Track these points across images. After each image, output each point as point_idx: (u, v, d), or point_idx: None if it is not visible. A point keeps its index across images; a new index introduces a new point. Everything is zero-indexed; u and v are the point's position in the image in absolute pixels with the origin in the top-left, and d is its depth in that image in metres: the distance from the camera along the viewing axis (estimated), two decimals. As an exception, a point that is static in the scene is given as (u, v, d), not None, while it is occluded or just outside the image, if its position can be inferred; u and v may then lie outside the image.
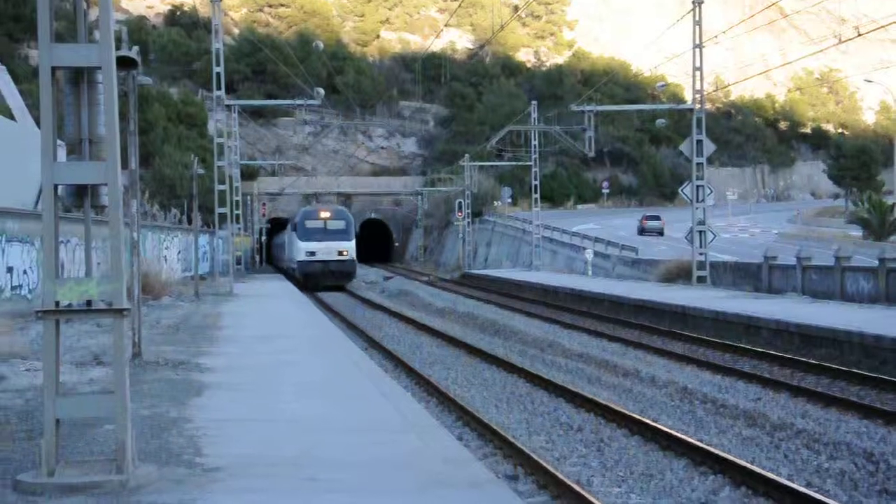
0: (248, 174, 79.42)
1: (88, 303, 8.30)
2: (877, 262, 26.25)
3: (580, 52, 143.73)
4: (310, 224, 47.27)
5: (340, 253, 45.96)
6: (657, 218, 67.33)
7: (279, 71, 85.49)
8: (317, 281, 45.25)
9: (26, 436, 9.90)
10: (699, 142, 34.99)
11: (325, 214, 48.11)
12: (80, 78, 8.25)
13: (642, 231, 65.00)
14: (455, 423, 13.03)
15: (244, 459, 8.77)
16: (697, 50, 34.96)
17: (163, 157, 65.10)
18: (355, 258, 47.24)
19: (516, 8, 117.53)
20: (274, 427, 10.37)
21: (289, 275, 53.45)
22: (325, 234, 46.48)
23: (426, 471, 8.36)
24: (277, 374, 14.40)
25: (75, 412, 8.57)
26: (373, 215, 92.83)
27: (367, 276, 56.16)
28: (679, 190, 38.53)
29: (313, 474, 8.27)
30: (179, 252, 44.60)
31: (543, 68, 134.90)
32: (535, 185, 55.94)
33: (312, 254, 45.90)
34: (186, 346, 18.31)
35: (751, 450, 11.45)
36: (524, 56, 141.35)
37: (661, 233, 63.48)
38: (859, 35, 33.02)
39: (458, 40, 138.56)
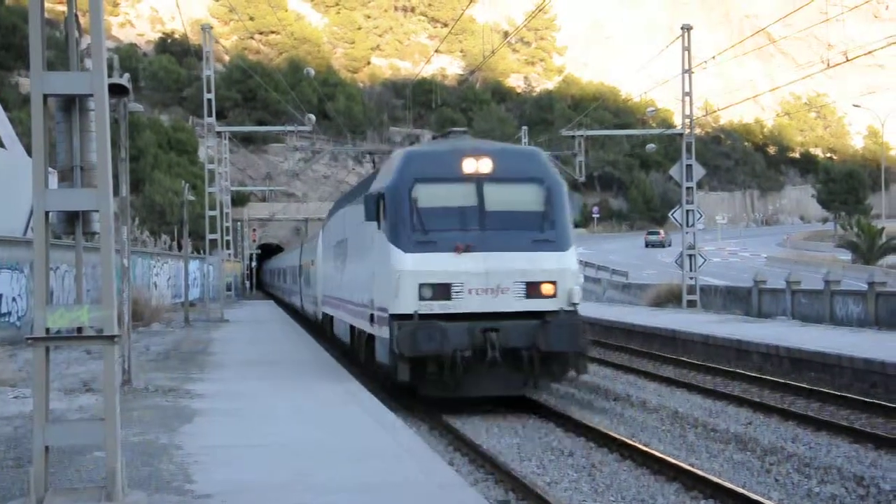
0: (239, 200, 79.46)
1: (78, 329, 8.29)
2: (866, 285, 26.36)
3: (570, 77, 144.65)
4: (427, 192, 15.28)
5: (536, 291, 15.09)
6: (657, 233, 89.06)
7: (270, 97, 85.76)
8: (448, 380, 14.63)
9: (15, 463, 9.86)
10: (689, 166, 35.17)
11: (475, 164, 15.51)
12: (72, 105, 8.28)
13: (647, 244, 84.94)
14: (447, 448, 13.00)
15: (235, 486, 8.73)
16: (686, 75, 35.20)
17: (153, 183, 65.08)
18: (576, 304, 15.23)
19: (506, 34, 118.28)
20: (266, 453, 10.33)
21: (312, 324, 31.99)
22: (480, 222, 15.28)
23: (419, 496, 8.34)
24: (269, 401, 14.35)
25: (65, 439, 8.54)
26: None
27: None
28: (669, 214, 38.68)
29: (307, 500, 8.24)
30: (170, 278, 44.49)
31: (534, 94, 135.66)
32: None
33: (439, 292, 14.89)
34: (177, 372, 18.25)
35: (742, 474, 11.44)
36: (514, 81, 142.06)
37: (663, 245, 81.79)
38: (847, 60, 33.25)
39: (448, 66, 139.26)
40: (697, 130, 47.27)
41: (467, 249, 14.74)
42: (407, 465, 9.64)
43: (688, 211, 34.98)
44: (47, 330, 7.92)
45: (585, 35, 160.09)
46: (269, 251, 78.58)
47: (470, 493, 8.62)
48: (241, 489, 8.61)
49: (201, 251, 49.60)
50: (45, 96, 7.98)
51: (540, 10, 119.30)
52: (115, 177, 15.05)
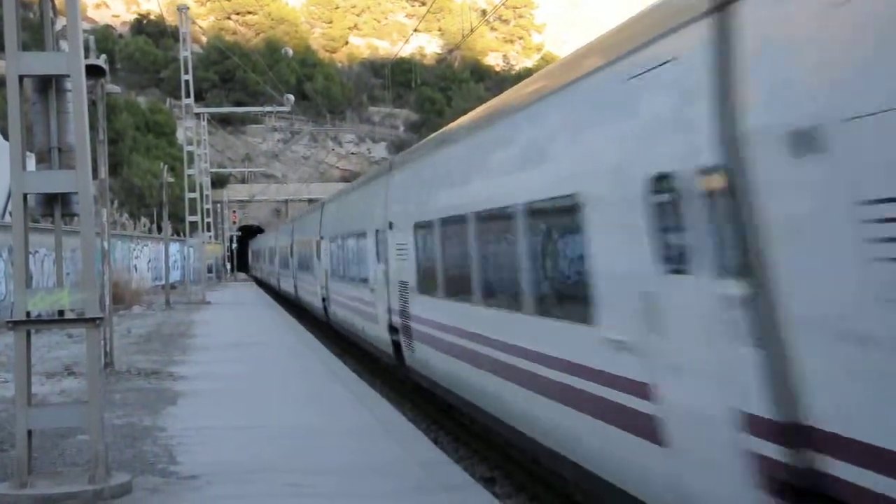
0: (218, 182, 79.09)
1: (60, 313, 8.25)
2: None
3: (549, 55, 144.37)
4: None
5: None
6: None
7: (248, 78, 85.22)
8: None
9: (-2, 448, 9.81)
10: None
11: None
12: (49, 86, 8.20)
13: None
14: (430, 426, 13.03)
15: (220, 467, 8.72)
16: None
17: (131, 166, 64.68)
18: None
19: (484, 12, 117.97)
20: (250, 434, 10.32)
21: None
22: None
23: (404, 475, 8.35)
24: (252, 382, 14.34)
25: (48, 423, 8.51)
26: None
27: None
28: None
29: (292, 480, 8.24)
30: (150, 261, 44.31)
31: (513, 72, 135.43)
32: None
33: None
34: (159, 355, 18.20)
35: None
36: (493, 60, 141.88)
37: None
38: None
39: (427, 45, 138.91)
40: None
41: None
42: (391, 444, 9.65)
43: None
44: (28, 313, 7.87)
45: (564, 13, 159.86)
46: (249, 232, 78.27)
47: (454, 470, 8.64)
48: (225, 470, 8.60)
49: (181, 233, 49.40)
50: (21, 77, 7.90)
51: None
52: (94, 159, 14.93)
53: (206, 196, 49.19)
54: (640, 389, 5.86)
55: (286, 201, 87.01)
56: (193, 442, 9.89)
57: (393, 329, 14.16)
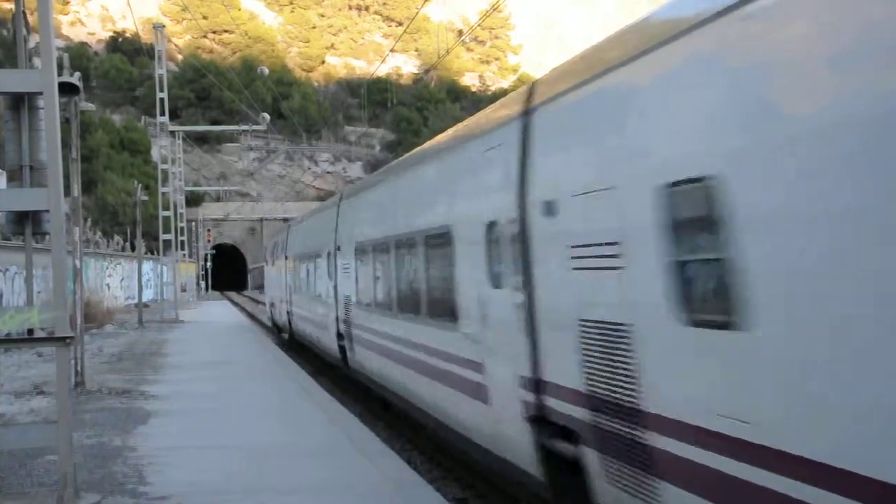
0: (193, 200, 78.80)
1: (29, 331, 8.18)
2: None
3: (525, 76, 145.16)
4: None
5: None
6: None
7: (224, 97, 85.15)
8: None
9: (-35, 468, 9.69)
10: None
11: None
12: (21, 104, 8.17)
13: None
14: (404, 446, 13.00)
15: (191, 487, 8.65)
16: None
17: (105, 184, 64.35)
18: None
19: (461, 33, 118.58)
20: (222, 453, 10.25)
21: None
22: None
23: (376, 494, 8.32)
24: (225, 401, 14.25)
25: (16, 443, 8.43)
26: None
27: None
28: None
29: (264, 500, 8.19)
30: (123, 279, 44.03)
31: (489, 92, 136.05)
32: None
33: None
34: (131, 374, 18.07)
35: None
36: (469, 80, 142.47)
37: None
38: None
39: (403, 65, 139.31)
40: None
41: None
42: (363, 463, 9.62)
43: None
44: (-3, 332, 7.81)
45: (540, 34, 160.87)
46: (223, 251, 78.01)
47: (427, 491, 8.62)
48: (197, 490, 8.54)
49: (155, 252, 49.15)
50: (-7, 94, 7.86)
51: (494, 10, 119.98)
52: (67, 177, 14.86)
53: (181, 214, 48.95)
54: (477, 367, 8.61)
55: (261, 220, 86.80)
56: (164, 462, 9.82)
57: (340, 336, 16.72)
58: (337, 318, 16.92)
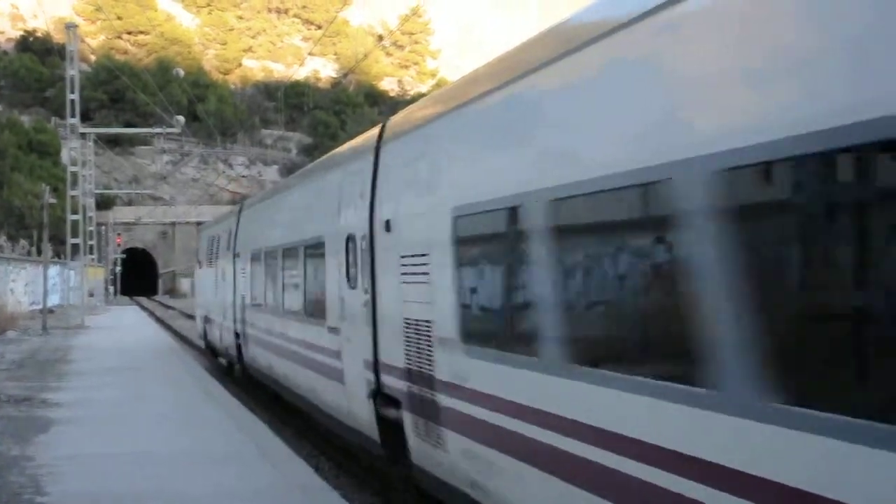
0: (104, 204, 77.24)
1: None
2: None
3: (443, 81, 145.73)
4: None
5: None
6: None
7: (138, 98, 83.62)
8: None
9: None
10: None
11: None
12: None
13: None
14: (312, 451, 12.89)
15: (91, 497, 8.43)
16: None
17: (12, 186, 62.64)
18: None
19: (380, 37, 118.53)
20: (123, 462, 10.02)
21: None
22: None
23: (282, 501, 8.23)
24: (129, 408, 13.95)
25: None
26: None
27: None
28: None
29: (161, 509, 8.02)
30: (27, 284, 42.88)
31: (407, 97, 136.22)
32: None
33: None
34: (32, 381, 17.59)
35: None
36: (388, 85, 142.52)
37: None
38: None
39: (321, 69, 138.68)
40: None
41: None
42: (269, 469, 9.51)
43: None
44: None
45: (460, 38, 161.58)
46: (134, 256, 76.55)
47: (333, 497, 8.55)
48: (96, 500, 8.33)
49: (62, 256, 48.01)
50: None
51: (414, 14, 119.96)
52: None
53: (90, 218, 47.88)
54: (337, 354, 10.47)
55: (173, 224, 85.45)
56: (63, 471, 9.56)
57: (237, 335, 17.82)
58: (234, 319, 17.94)
